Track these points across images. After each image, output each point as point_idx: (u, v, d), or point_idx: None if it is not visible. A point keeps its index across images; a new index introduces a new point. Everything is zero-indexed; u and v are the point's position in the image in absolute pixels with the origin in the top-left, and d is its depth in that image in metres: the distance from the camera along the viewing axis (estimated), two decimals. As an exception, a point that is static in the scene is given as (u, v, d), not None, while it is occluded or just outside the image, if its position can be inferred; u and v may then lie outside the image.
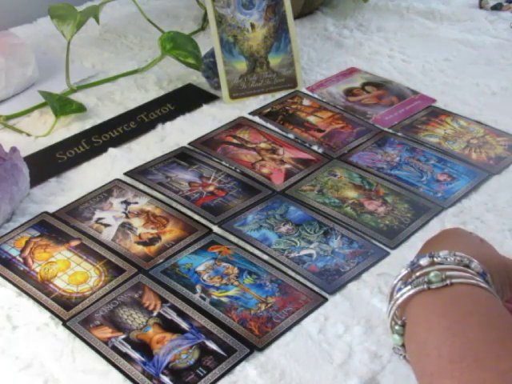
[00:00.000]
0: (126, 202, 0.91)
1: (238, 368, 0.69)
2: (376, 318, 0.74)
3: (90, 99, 1.14)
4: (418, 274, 0.56)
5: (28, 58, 1.16)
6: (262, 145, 1.02)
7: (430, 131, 1.05)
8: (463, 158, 0.99)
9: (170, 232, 0.86)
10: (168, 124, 1.07)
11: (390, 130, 1.06)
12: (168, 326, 0.73)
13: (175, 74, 1.21)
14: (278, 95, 1.14)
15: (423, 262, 0.57)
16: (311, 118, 1.08)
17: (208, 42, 1.22)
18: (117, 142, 1.04)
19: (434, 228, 0.86)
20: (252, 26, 1.13)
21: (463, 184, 0.93)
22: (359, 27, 1.37)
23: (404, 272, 0.58)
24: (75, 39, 1.15)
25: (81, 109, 1.09)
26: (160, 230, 0.86)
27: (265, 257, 0.82)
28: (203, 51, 1.17)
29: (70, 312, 0.75)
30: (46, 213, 0.89)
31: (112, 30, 1.37)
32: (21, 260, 0.82)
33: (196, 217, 0.88)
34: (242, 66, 1.13)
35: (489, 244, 0.64)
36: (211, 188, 0.93)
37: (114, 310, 0.75)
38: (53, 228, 0.86)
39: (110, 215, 0.89)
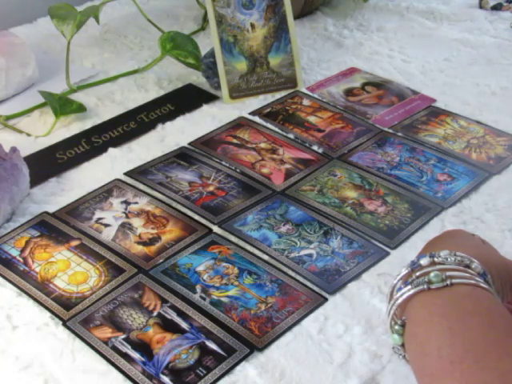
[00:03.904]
0: (126, 202, 0.91)
1: (238, 368, 0.69)
2: (376, 318, 0.74)
3: (90, 99, 1.14)
4: (418, 273, 0.56)
5: (28, 58, 1.16)
6: (262, 145, 1.02)
7: (430, 131, 1.05)
8: (463, 157, 0.99)
9: (170, 232, 0.86)
10: (168, 124, 1.07)
11: (390, 130, 1.06)
12: (168, 326, 0.73)
13: (175, 74, 1.21)
14: (278, 95, 1.14)
15: (424, 261, 0.57)
16: (311, 118, 1.08)
17: (208, 42, 1.22)
18: (117, 142, 1.04)
19: (434, 228, 0.86)
20: (252, 25, 1.13)
21: (463, 184, 0.93)
22: (359, 27, 1.37)
23: (404, 272, 0.58)
24: (75, 39, 1.15)
25: (81, 109, 1.09)
26: (160, 230, 0.86)
27: (265, 257, 0.82)
28: (203, 51, 1.17)
29: (70, 312, 0.75)
30: (46, 213, 0.89)
31: (112, 30, 1.37)
32: (21, 260, 0.82)
33: (196, 217, 0.88)
34: (242, 66, 1.13)
35: (490, 245, 0.64)
36: (211, 188, 0.93)
37: (114, 310, 0.75)
38: (53, 228, 0.86)
39: (110, 215, 0.89)
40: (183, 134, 1.05)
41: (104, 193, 0.92)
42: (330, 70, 1.22)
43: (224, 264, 0.81)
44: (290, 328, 0.73)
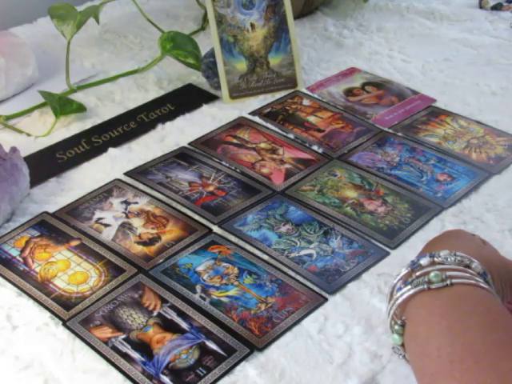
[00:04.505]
0: (126, 202, 0.91)
1: (238, 368, 0.69)
2: (376, 318, 0.74)
3: (90, 99, 1.14)
4: (418, 273, 0.56)
5: (28, 58, 1.16)
6: (262, 145, 1.02)
7: (430, 131, 1.05)
8: (463, 158, 0.99)
9: (170, 232, 0.86)
10: (168, 124, 1.07)
11: (390, 130, 1.06)
12: (168, 325, 0.73)
13: (175, 73, 1.21)
14: (278, 95, 1.14)
15: (423, 261, 0.57)
16: (311, 118, 1.08)
17: (208, 42, 1.22)
18: (117, 141, 1.04)
19: (434, 228, 0.86)
20: (252, 25, 1.13)
21: (463, 184, 0.94)
22: (359, 27, 1.37)
23: (404, 271, 0.58)
24: (75, 39, 1.15)
25: (81, 109, 1.09)
26: (160, 230, 0.86)
27: (265, 257, 0.82)
28: (203, 51, 1.17)
29: (70, 312, 0.75)
30: (46, 213, 0.89)
31: (112, 30, 1.37)
32: (21, 260, 0.82)
33: (196, 217, 0.88)
34: (242, 66, 1.13)
35: (491, 246, 0.64)
36: (211, 188, 0.93)
37: (114, 310, 0.75)
38: (53, 228, 0.86)
39: (110, 215, 0.89)
40: (183, 134, 1.05)
41: (104, 193, 0.92)
42: (330, 70, 1.22)
43: (224, 264, 0.81)
44: (290, 328, 0.73)
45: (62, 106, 1.07)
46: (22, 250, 0.83)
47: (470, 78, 1.19)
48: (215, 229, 0.86)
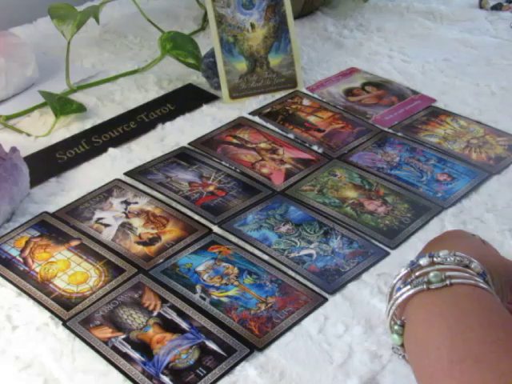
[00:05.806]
0: (126, 202, 0.91)
1: (238, 368, 0.69)
2: (376, 318, 0.74)
3: (90, 99, 1.14)
4: (417, 273, 0.56)
5: (28, 58, 1.16)
6: (262, 145, 1.02)
7: (430, 131, 1.05)
8: (463, 158, 0.99)
9: (170, 232, 0.86)
10: (168, 124, 1.08)
11: (390, 130, 1.06)
12: (168, 326, 0.73)
13: (175, 74, 1.21)
14: (278, 95, 1.14)
15: (423, 261, 0.57)
16: (311, 118, 1.08)
17: (208, 42, 1.22)
18: (117, 141, 1.04)
19: (434, 228, 0.86)
20: (252, 25, 1.13)
21: (463, 184, 0.94)
22: (359, 27, 1.37)
23: (404, 272, 0.58)
24: (75, 39, 1.15)
25: (81, 109, 1.09)
26: (160, 229, 0.86)
27: (265, 257, 0.82)
28: (203, 51, 1.17)
29: (70, 312, 0.75)
30: (46, 213, 0.89)
31: (112, 30, 1.37)
32: (21, 260, 0.82)
33: (196, 217, 0.88)
34: (242, 66, 1.13)
35: (491, 246, 0.64)
36: (211, 188, 0.93)
37: (114, 310, 0.75)
38: (53, 228, 0.86)
39: (110, 215, 0.89)
40: (183, 134, 1.05)
41: (104, 193, 0.92)
42: (330, 70, 1.22)
43: (224, 264, 0.81)
44: (290, 328, 0.73)
45: (62, 105, 1.07)
46: (22, 250, 0.83)
47: (470, 78, 1.19)
48: (215, 229, 0.86)
